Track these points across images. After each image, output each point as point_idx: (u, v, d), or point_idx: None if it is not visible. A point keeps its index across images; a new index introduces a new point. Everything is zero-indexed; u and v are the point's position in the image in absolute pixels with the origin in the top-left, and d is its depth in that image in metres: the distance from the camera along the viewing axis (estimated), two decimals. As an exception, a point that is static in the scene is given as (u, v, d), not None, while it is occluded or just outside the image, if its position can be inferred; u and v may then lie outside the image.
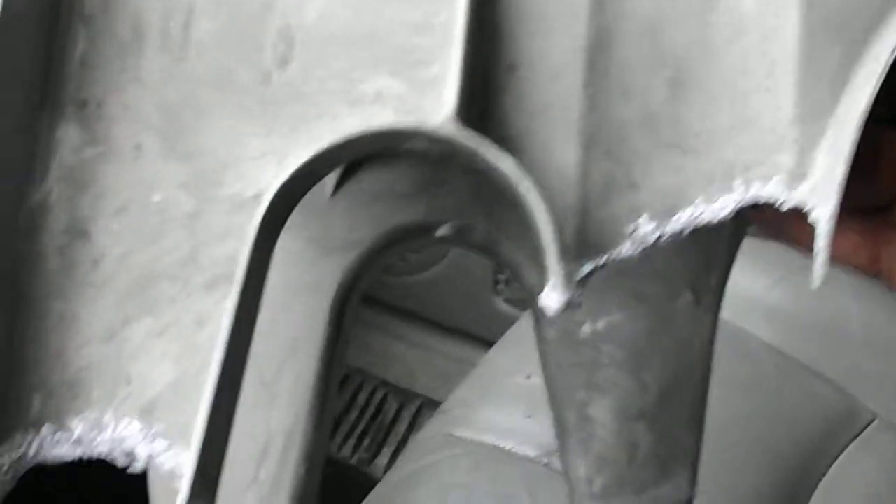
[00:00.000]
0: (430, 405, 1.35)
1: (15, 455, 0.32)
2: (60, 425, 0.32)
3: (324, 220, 0.43)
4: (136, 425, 0.32)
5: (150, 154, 0.34)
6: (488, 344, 1.34)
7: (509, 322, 1.30)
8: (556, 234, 0.32)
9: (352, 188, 0.44)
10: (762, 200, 0.34)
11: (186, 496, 0.29)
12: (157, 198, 0.33)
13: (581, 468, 0.45)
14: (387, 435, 1.34)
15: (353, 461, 1.30)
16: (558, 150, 0.35)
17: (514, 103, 0.35)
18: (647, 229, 0.34)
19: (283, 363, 0.43)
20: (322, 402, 0.44)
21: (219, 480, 0.31)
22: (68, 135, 0.34)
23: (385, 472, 1.32)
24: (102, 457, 0.32)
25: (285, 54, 0.34)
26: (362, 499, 0.80)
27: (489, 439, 0.79)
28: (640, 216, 0.34)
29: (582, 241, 0.34)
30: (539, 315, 0.45)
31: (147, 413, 0.32)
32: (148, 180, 0.34)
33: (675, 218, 0.34)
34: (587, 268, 0.34)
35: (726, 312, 0.46)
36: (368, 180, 0.44)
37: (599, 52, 0.35)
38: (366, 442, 1.33)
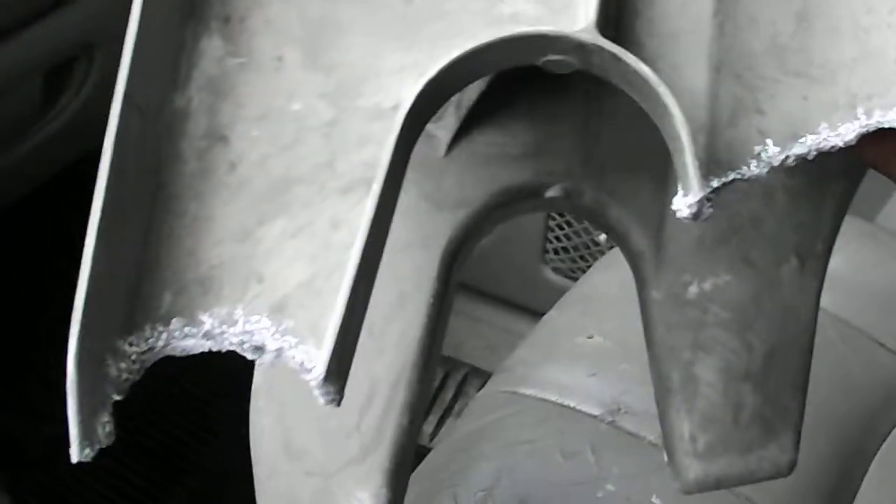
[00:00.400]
0: (475, 374, 1.36)
1: (144, 346, 0.32)
2: (190, 320, 0.33)
3: (437, 178, 0.44)
4: (265, 322, 0.32)
5: (291, 65, 0.34)
6: (535, 313, 1.34)
7: (558, 291, 1.29)
8: (691, 135, 0.32)
9: (465, 149, 0.44)
10: (885, 126, 0.35)
11: (322, 374, 0.30)
12: (296, 106, 0.34)
13: (685, 427, 0.45)
14: (432, 403, 1.34)
15: (399, 428, 1.31)
16: (689, 73, 0.35)
17: (646, 28, 0.35)
18: (773, 151, 0.35)
19: (391, 315, 0.43)
20: (427, 355, 0.44)
21: (348, 373, 0.32)
22: (211, 46, 0.34)
23: (431, 439, 1.32)
24: (232, 349, 0.33)
25: None
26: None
27: (552, 397, 0.79)
28: (766, 139, 0.35)
29: (711, 158, 0.34)
30: (644, 278, 0.45)
31: (278, 310, 0.32)
32: (288, 90, 0.34)
33: (800, 142, 0.35)
34: (715, 183, 0.34)
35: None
36: (481, 142, 0.44)
37: None
38: (411, 409, 1.33)
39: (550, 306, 1.31)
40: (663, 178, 0.44)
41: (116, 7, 0.75)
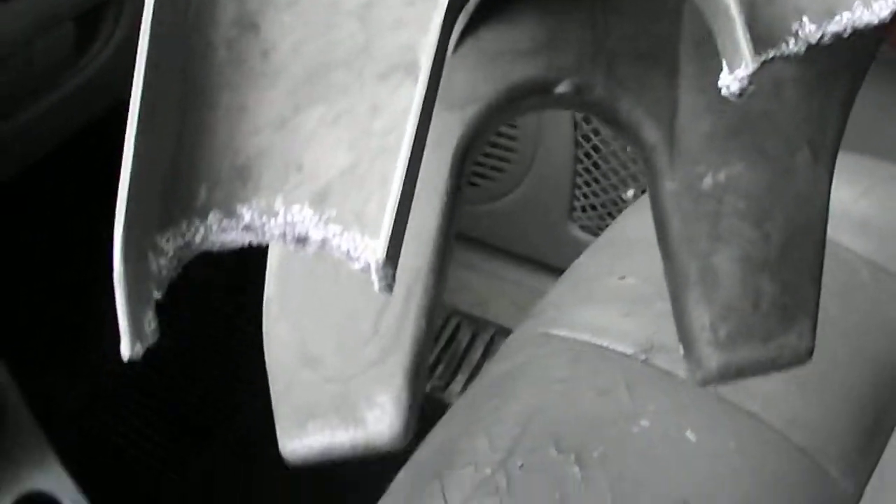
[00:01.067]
0: (503, 333, 1.35)
1: (181, 242, 0.32)
2: (228, 212, 0.32)
3: (446, 77, 0.44)
4: (308, 211, 0.32)
5: None
6: (562, 272, 1.34)
7: (585, 249, 1.29)
8: (739, 5, 0.32)
9: (472, 46, 0.44)
10: None
11: (381, 259, 0.30)
12: None
13: (705, 317, 0.45)
14: (460, 363, 1.34)
15: (427, 388, 1.31)
16: None
17: None
18: (809, 28, 0.35)
19: None
20: (441, 256, 0.44)
21: (398, 260, 0.32)
22: None
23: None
24: (274, 241, 0.32)
25: None
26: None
27: (585, 337, 0.79)
28: (803, 16, 0.35)
29: (751, 36, 0.34)
30: (658, 170, 0.45)
31: (320, 199, 0.32)
32: None
33: (836, 19, 0.35)
34: (756, 60, 0.34)
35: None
36: (489, 38, 0.44)
37: None
38: (440, 369, 1.33)
39: (578, 264, 1.31)
40: (674, 69, 0.44)
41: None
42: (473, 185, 1.30)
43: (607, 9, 0.44)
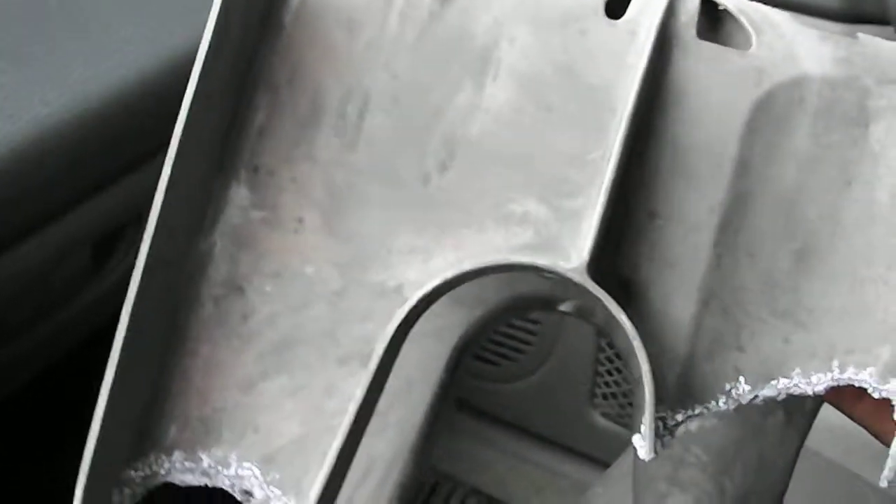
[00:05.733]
0: (520, 516, 1.34)
1: (148, 472, 0.35)
2: (191, 455, 0.35)
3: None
4: (255, 470, 0.35)
5: (310, 229, 0.37)
6: (582, 456, 1.32)
7: (605, 436, 1.28)
8: (653, 394, 0.33)
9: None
10: (854, 384, 0.36)
11: None
12: (309, 270, 0.36)
13: None
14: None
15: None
16: (678, 303, 0.36)
17: (648, 251, 0.37)
18: (743, 389, 0.36)
19: (396, 397, 0.46)
20: (426, 440, 0.46)
21: None
22: (238, 196, 0.37)
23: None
24: (225, 488, 0.35)
25: (446, 161, 0.36)
26: None
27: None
28: (739, 376, 0.36)
29: (682, 391, 0.36)
30: (636, 404, 0.47)
31: (267, 461, 0.35)
32: (304, 252, 0.36)
33: (771, 383, 0.36)
34: (680, 417, 0.35)
35: (835, 452, 0.47)
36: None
37: (735, 213, 0.37)
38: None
39: (597, 450, 1.29)
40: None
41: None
42: (495, 364, 1.30)
43: None
